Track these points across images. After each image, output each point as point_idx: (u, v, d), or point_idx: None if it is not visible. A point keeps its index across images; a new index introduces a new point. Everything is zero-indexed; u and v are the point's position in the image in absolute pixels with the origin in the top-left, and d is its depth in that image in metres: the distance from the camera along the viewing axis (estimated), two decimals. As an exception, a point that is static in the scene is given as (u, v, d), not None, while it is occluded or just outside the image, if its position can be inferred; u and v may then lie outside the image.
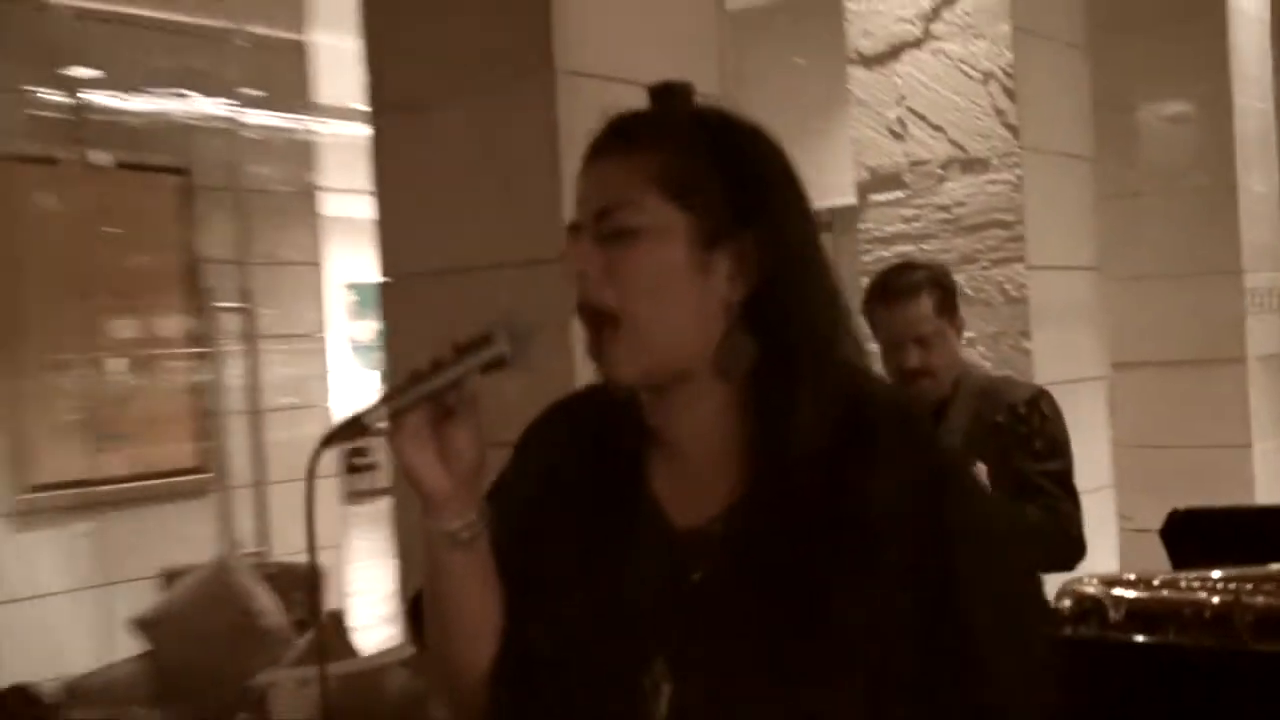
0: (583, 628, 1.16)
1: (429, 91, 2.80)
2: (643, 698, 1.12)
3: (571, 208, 2.66)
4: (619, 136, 1.18)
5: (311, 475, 1.09)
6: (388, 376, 2.99)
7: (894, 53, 4.16)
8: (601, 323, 1.14)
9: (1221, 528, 1.94)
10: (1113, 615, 1.57)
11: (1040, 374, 3.97)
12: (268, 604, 4.35)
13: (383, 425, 1.11)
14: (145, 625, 4.35)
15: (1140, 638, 1.53)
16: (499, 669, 1.20)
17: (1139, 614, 1.56)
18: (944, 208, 4.08)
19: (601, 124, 1.22)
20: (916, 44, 4.11)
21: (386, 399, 1.11)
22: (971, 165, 4.01)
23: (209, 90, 5.91)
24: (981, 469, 2.39)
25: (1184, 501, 5.13)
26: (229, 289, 6.12)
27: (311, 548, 1.16)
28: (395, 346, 2.91)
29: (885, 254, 4.22)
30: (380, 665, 3.60)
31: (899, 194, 4.18)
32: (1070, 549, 2.43)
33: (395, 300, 2.90)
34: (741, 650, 1.10)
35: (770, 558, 1.11)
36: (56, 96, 5.79)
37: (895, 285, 2.56)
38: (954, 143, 4.04)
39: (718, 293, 1.14)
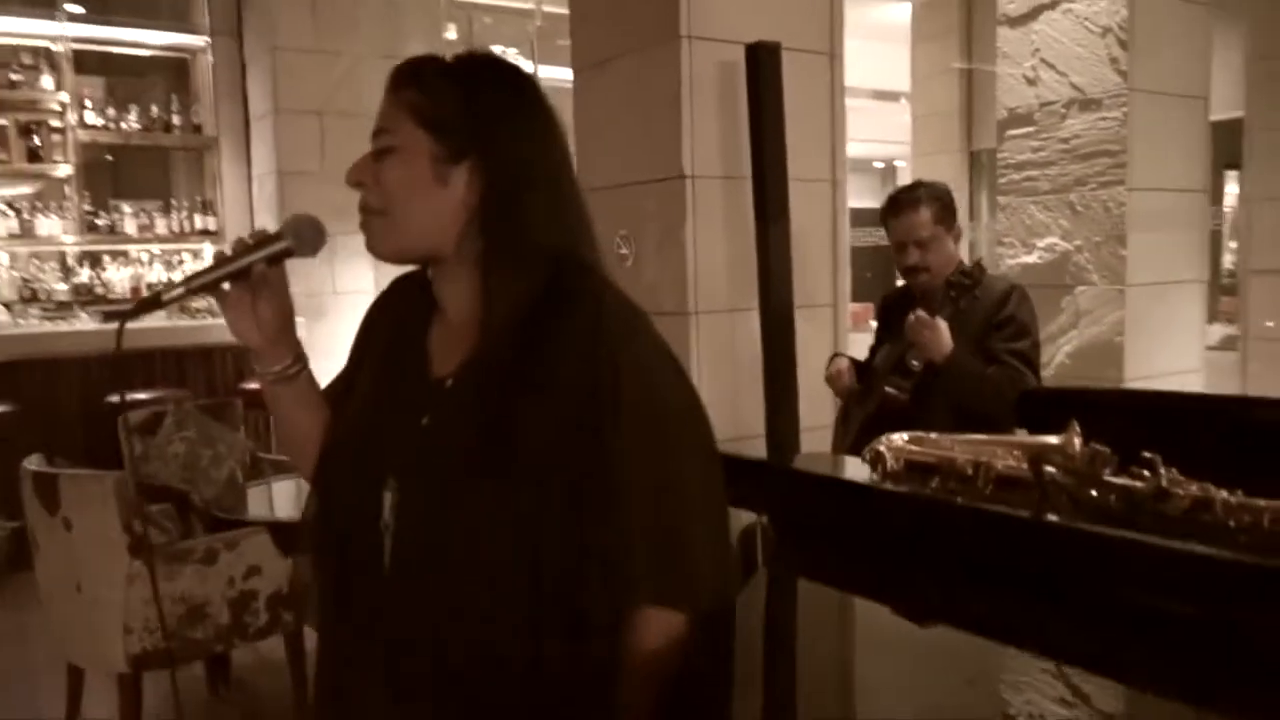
0: (351, 447, 1.18)
1: (603, 53, 2.92)
2: (378, 501, 1.12)
3: (690, 141, 2.76)
4: (393, 79, 1.15)
5: (120, 332, 1.14)
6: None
7: (1033, 14, 3.88)
8: (370, 215, 1.14)
9: (1064, 405, 1.79)
10: (891, 465, 1.50)
11: (1133, 276, 3.68)
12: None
13: (178, 298, 1.11)
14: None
15: (901, 488, 1.46)
16: (314, 471, 1.22)
17: (914, 466, 1.49)
18: (1064, 140, 3.78)
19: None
20: (1052, 5, 3.80)
21: (185, 280, 1.11)
22: (1087, 105, 3.69)
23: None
24: (943, 324, 2.32)
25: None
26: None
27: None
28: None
29: (1016, 176, 3.99)
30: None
31: (1029, 129, 3.90)
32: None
33: (585, 205, 3.06)
34: (447, 471, 1.09)
35: (475, 402, 1.10)
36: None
37: (899, 199, 2.49)
38: (1074, 86, 3.71)
39: (456, 197, 1.12)
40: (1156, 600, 1.17)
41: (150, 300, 1.11)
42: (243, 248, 1.13)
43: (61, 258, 6.24)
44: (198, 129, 6.32)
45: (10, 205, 5.97)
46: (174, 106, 6.28)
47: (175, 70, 6.55)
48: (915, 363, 2.39)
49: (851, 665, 1.36)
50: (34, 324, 5.59)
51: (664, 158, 2.79)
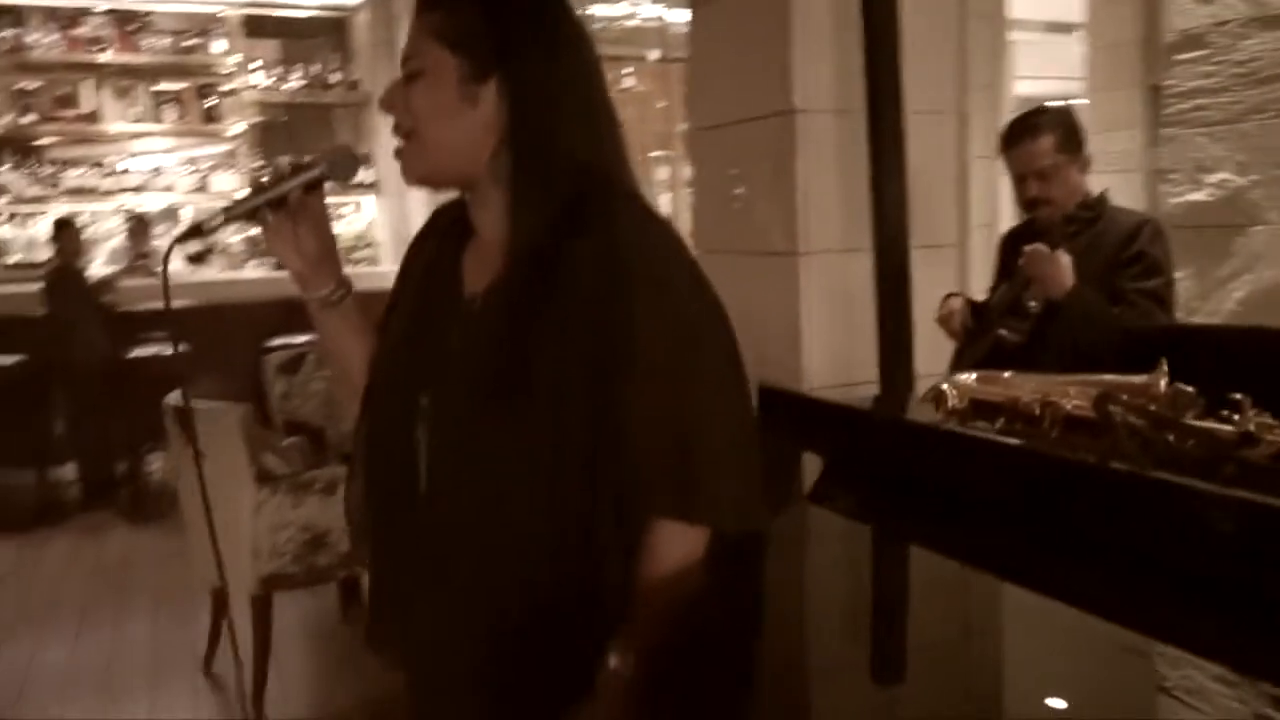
0: (389, 366, 1.20)
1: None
2: (412, 417, 1.14)
3: (801, 73, 2.66)
4: (419, 2, 1.14)
5: (166, 263, 1.22)
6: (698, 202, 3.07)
7: (1211, -77, 3.45)
8: (403, 141, 1.14)
9: (1177, 345, 1.60)
10: (954, 404, 1.39)
11: (1324, 208, 3.29)
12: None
13: (219, 226, 1.14)
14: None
15: (959, 428, 1.35)
16: (364, 394, 1.24)
17: (979, 405, 1.37)
18: (1240, 63, 3.39)
19: None
20: (1231, -88, 3.38)
21: (225, 209, 1.15)
22: (1270, 23, 3.30)
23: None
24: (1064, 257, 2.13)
25: None
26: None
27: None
28: (699, 178, 3.03)
29: (1184, 106, 3.63)
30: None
31: (1201, 52, 3.53)
32: None
33: (696, 145, 3.02)
34: (471, 389, 1.09)
35: (498, 322, 1.09)
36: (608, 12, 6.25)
37: (1018, 126, 2.30)
38: (1255, 2, 3.32)
39: (485, 117, 1.10)
40: (1231, 559, 1.03)
41: (193, 229, 1.18)
42: (279, 175, 1.16)
43: (237, 212, 6.63)
44: (354, 86, 6.57)
45: (190, 162, 6.40)
46: (334, 65, 6.54)
47: (338, 30, 6.81)
48: (1033, 303, 2.21)
49: (999, 633, 1.26)
50: (209, 273, 5.99)
51: (773, 91, 2.67)
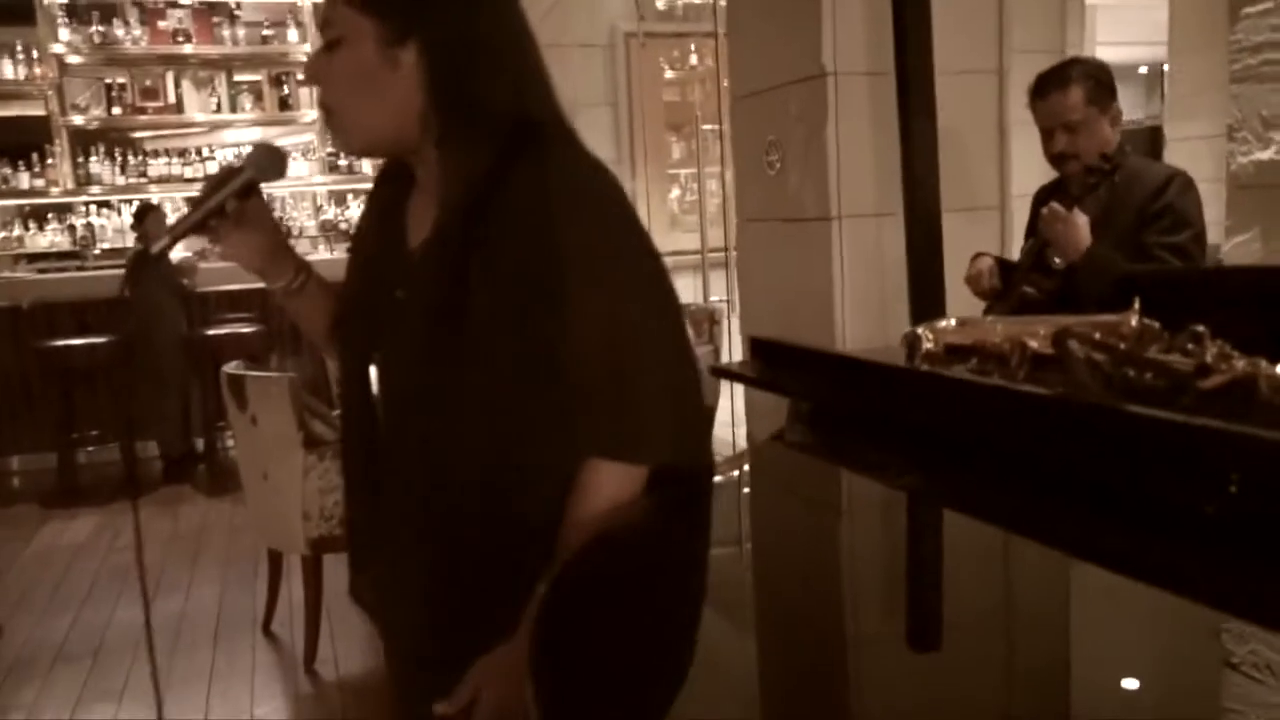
0: (347, 328, 1.24)
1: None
2: (366, 372, 1.19)
3: (832, 35, 2.66)
4: None
5: (124, 286, 1.26)
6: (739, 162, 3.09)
7: None
8: (329, 112, 1.15)
9: (1171, 288, 1.57)
10: (928, 348, 1.39)
11: (1395, 165, 3.12)
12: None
13: (168, 247, 1.17)
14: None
15: (930, 368, 1.36)
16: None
17: (953, 349, 1.38)
18: (1312, 14, 3.24)
19: None
20: None
21: (169, 230, 1.18)
22: (1343, -30, 3.13)
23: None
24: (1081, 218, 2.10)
25: None
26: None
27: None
28: (740, 140, 3.06)
29: (1252, 61, 3.47)
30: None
31: (1270, 4, 3.37)
32: None
33: (736, 114, 3.04)
34: (413, 341, 1.13)
35: (433, 275, 1.12)
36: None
37: (1047, 78, 2.26)
38: (1326, -51, 3.17)
39: (408, 80, 1.10)
40: (1182, 487, 1.03)
41: (140, 256, 1.24)
42: (210, 188, 1.18)
43: (314, 197, 6.87)
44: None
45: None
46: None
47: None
48: (1058, 260, 2.18)
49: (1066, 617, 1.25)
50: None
51: (805, 55, 2.67)
